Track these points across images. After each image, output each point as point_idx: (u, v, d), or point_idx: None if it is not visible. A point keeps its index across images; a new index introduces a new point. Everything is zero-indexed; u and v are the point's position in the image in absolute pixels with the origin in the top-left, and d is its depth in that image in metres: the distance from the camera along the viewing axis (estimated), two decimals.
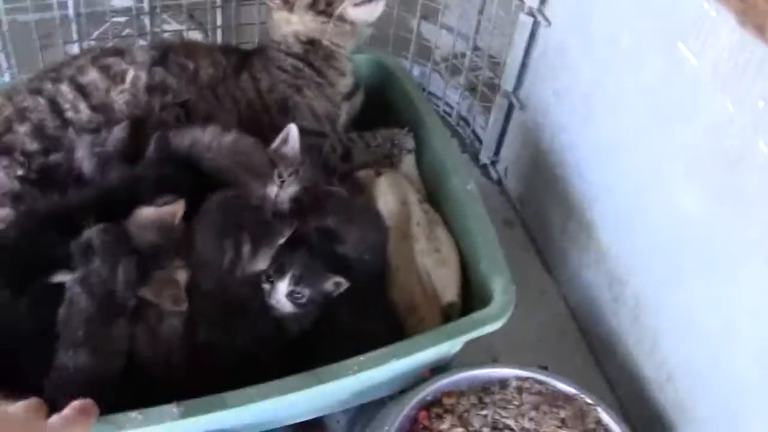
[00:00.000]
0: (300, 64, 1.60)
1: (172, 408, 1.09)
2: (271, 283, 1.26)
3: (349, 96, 1.69)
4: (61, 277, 1.16)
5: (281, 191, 1.41)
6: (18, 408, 0.99)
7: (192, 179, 1.32)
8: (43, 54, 1.81)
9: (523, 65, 1.67)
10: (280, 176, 1.41)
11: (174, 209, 1.23)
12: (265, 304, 1.27)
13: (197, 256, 1.22)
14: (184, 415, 1.08)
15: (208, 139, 1.40)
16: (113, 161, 1.37)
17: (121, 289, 1.15)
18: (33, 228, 1.24)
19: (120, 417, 1.07)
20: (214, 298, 1.23)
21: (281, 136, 1.45)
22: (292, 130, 1.44)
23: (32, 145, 1.40)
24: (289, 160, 1.43)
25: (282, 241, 1.26)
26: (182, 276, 1.21)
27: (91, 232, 1.17)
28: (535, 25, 1.59)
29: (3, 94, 1.48)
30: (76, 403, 1.02)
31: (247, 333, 1.23)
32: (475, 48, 1.85)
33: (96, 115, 1.45)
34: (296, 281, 1.26)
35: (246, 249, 1.22)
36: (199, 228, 1.23)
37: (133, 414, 1.07)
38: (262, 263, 1.25)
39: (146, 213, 1.23)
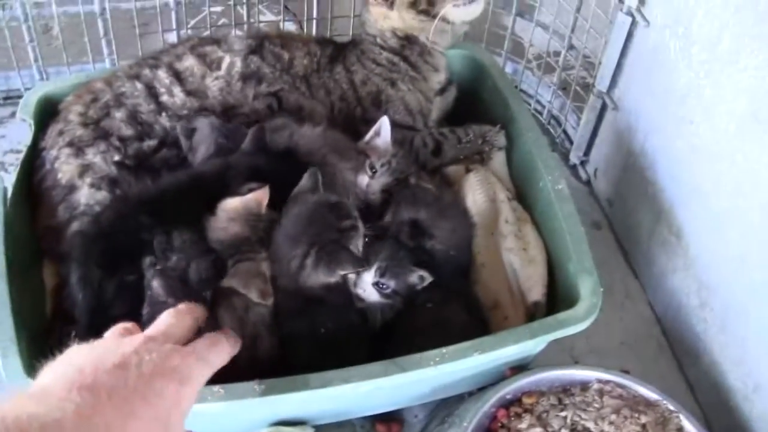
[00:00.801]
0: (395, 59, 1.61)
1: (254, 385, 1.10)
2: (357, 273, 1.27)
3: (441, 91, 1.69)
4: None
5: (372, 181, 1.43)
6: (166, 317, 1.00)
7: (284, 172, 1.33)
8: (141, 42, 1.86)
9: (619, 65, 1.65)
10: (372, 167, 1.43)
11: (259, 196, 1.25)
12: (348, 296, 1.29)
13: (274, 249, 1.24)
14: (266, 392, 1.10)
15: (304, 129, 1.43)
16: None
17: (195, 282, 1.18)
18: (126, 212, 1.28)
19: (202, 390, 1.07)
20: (292, 292, 1.24)
21: (374, 128, 1.47)
22: (385, 122, 1.46)
23: (127, 131, 1.44)
24: (381, 151, 1.45)
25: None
26: (268, 267, 1.24)
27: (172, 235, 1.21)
28: (633, 25, 1.56)
29: (103, 80, 1.52)
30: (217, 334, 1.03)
31: (328, 323, 1.24)
32: (570, 47, 1.84)
33: (190, 100, 1.48)
34: (381, 273, 1.27)
35: (309, 262, 1.22)
36: (281, 224, 1.25)
37: (216, 388, 1.09)
38: (321, 278, 1.23)
39: (232, 204, 1.25)
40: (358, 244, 1.26)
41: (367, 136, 1.49)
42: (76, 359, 0.86)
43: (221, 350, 1.00)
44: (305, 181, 1.26)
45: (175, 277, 1.18)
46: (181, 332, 0.98)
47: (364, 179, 1.45)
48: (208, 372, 0.96)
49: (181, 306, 1.04)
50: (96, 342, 0.92)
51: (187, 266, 1.19)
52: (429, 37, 1.61)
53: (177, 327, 0.98)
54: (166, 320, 0.99)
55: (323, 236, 1.22)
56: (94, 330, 1.18)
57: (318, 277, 1.22)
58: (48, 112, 1.50)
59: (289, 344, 1.24)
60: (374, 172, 1.45)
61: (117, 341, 0.92)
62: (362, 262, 1.25)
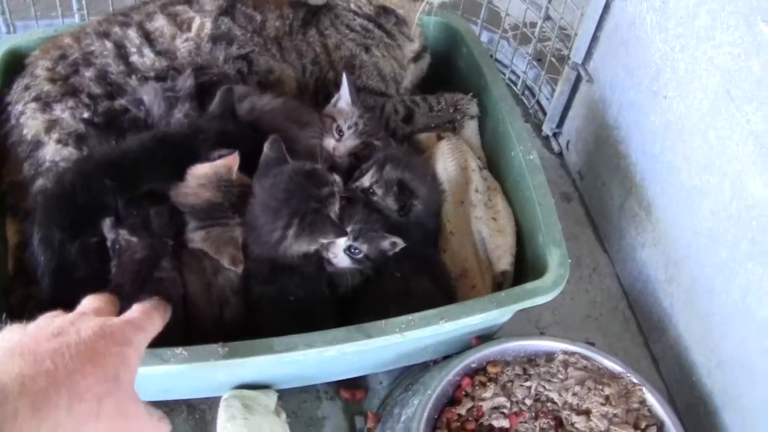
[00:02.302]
0: (370, 25, 1.60)
1: (217, 348, 1.10)
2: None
3: (416, 58, 1.68)
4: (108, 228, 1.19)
5: (339, 144, 1.42)
6: (90, 301, 1.01)
7: (253, 138, 1.32)
8: None
9: (595, 37, 1.64)
10: (339, 130, 1.42)
11: (229, 161, 1.24)
12: (320, 265, 1.29)
13: (250, 220, 1.23)
14: (229, 355, 1.10)
15: (264, 101, 1.42)
16: (185, 103, 1.38)
17: (156, 226, 1.19)
18: (90, 173, 1.26)
19: (166, 351, 1.08)
20: (264, 259, 1.23)
21: (339, 92, 1.46)
22: (344, 79, 1.46)
23: (96, 89, 1.42)
24: (347, 113, 1.44)
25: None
26: (241, 232, 1.23)
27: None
28: None
29: (71, 36, 1.49)
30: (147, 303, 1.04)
31: (299, 292, 1.24)
32: (547, 17, 1.82)
33: (159, 61, 1.46)
34: (355, 236, 1.27)
35: (291, 233, 1.21)
36: (255, 194, 1.23)
37: (179, 350, 1.09)
38: (303, 247, 1.24)
39: (201, 170, 1.24)
40: (335, 210, 1.25)
41: (333, 100, 1.49)
42: (15, 335, 0.88)
43: (154, 318, 1.00)
44: (268, 150, 1.24)
45: (139, 223, 1.19)
46: (111, 311, 1.00)
47: (330, 142, 1.44)
48: (144, 338, 0.96)
49: (104, 295, 1.03)
50: (29, 324, 0.92)
51: (147, 213, 1.20)
52: (404, 8, 1.61)
53: (104, 310, 0.99)
54: (92, 303, 1.00)
55: (304, 206, 1.21)
56: (57, 292, 1.18)
57: (300, 246, 1.22)
58: (14, 67, 1.48)
59: (258, 310, 1.23)
60: (341, 135, 1.44)
61: (50, 319, 0.92)
62: (344, 231, 1.24)
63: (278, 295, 1.23)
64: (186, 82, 1.41)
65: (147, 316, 0.99)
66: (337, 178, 1.28)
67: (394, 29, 1.62)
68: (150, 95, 1.40)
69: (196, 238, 1.21)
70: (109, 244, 1.20)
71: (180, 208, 1.22)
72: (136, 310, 0.99)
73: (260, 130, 1.36)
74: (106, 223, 1.20)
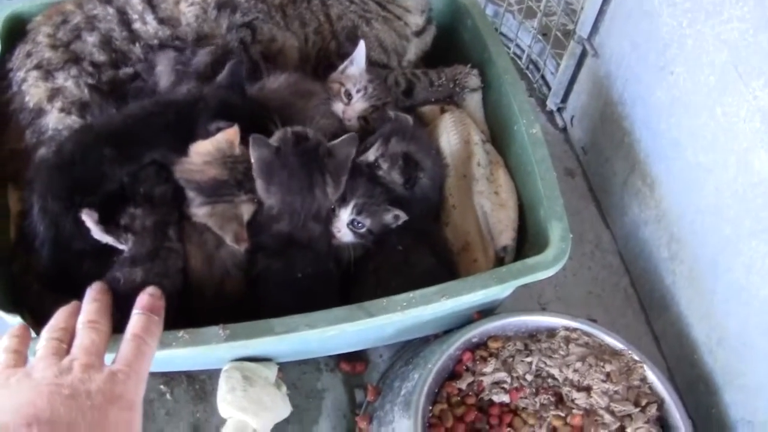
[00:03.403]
0: None
1: (218, 330, 1.10)
2: (333, 210, 1.26)
3: (420, 32, 1.66)
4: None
5: (348, 107, 1.42)
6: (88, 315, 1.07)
7: (258, 114, 1.31)
8: None
9: (601, 11, 1.62)
10: (348, 94, 1.42)
11: (229, 136, 1.22)
12: (329, 238, 1.29)
13: (282, 210, 1.23)
14: (230, 338, 1.10)
15: (270, 81, 1.42)
16: (190, 81, 1.38)
17: (158, 197, 1.21)
18: (89, 143, 1.25)
19: (167, 335, 1.09)
20: (283, 235, 1.24)
21: (350, 57, 1.47)
22: (361, 47, 1.46)
23: (100, 56, 1.40)
24: (356, 78, 1.44)
25: (352, 157, 1.27)
26: (248, 209, 1.22)
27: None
28: None
29: (73, 2, 1.48)
30: (142, 300, 1.08)
31: (308, 266, 1.24)
32: None
33: (162, 28, 1.45)
34: (358, 210, 1.27)
35: (330, 189, 1.24)
36: (279, 192, 1.23)
37: (180, 333, 1.10)
38: (343, 217, 1.29)
39: (203, 147, 1.23)
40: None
41: (341, 67, 1.49)
42: (23, 395, 0.93)
43: (147, 357, 1.04)
44: (256, 152, 1.22)
45: (143, 196, 1.21)
46: (105, 340, 1.04)
47: (339, 107, 1.45)
48: (144, 384, 1.02)
49: (94, 314, 1.07)
50: (32, 370, 0.97)
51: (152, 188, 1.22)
52: None
53: (100, 340, 1.03)
54: (89, 337, 1.03)
55: (318, 160, 1.24)
56: (55, 262, 1.18)
57: (338, 189, 1.27)
58: (16, 32, 1.46)
59: (263, 284, 1.24)
60: (350, 99, 1.43)
61: (54, 371, 0.96)
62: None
63: (286, 270, 1.23)
64: (200, 57, 1.40)
65: (143, 357, 1.03)
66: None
67: (387, 2, 1.61)
68: (164, 64, 1.39)
69: (200, 213, 1.20)
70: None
71: (184, 185, 1.22)
72: (131, 350, 1.02)
73: (268, 108, 1.35)
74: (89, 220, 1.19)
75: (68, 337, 1.03)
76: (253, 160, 1.21)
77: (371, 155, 1.34)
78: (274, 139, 1.23)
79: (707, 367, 1.32)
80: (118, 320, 1.08)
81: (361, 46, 1.48)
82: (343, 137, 1.27)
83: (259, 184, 1.22)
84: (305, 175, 1.22)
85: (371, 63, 1.56)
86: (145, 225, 1.18)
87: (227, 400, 1.20)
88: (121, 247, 1.18)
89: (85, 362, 0.98)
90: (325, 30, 1.58)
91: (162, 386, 1.34)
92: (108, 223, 1.18)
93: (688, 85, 1.33)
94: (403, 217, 1.29)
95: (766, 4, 1.10)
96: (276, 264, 1.23)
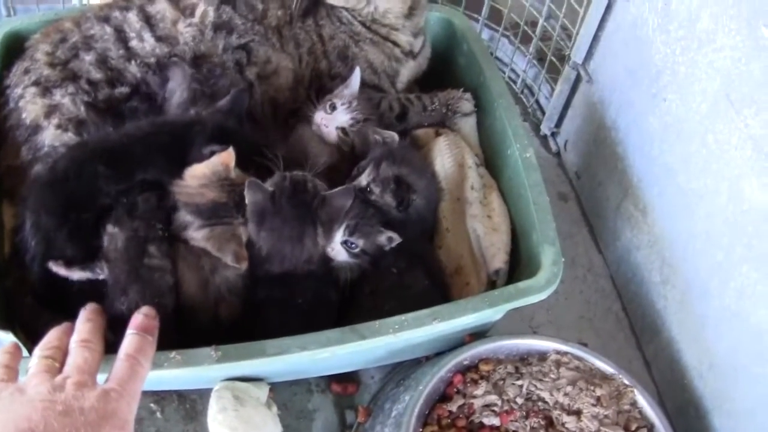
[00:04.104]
0: (353, 20, 1.60)
1: (211, 351, 1.10)
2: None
3: (414, 54, 1.67)
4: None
5: (328, 116, 1.44)
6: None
7: (251, 142, 1.33)
8: None
9: (596, 38, 1.63)
10: (332, 106, 1.44)
11: (224, 159, 1.23)
12: (327, 263, 1.30)
13: (271, 253, 1.24)
14: (222, 359, 1.10)
15: None
16: (206, 102, 1.38)
17: (141, 211, 1.21)
18: (83, 160, 1.26)
19: (159, 356, 1.09)
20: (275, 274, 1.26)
21: (346, 82, 1.49)
22: (356, 72, 1.49)
23: (97, 74, 1.41)
24: (346, 96, 1.47)
25: (347, 209, 1.28)
26: (246, 231, 1.23)
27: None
28: None
29: (72, 20, 1.49)
30: (137, 320, 1.09)
31: (308, 291, 1.26)
32: (549, 16, 1.82)
33: (159, 46, 1.45)
34: (351, 231, 1.28)
35: (321, 239, 1.26)
36: (270, 237, 1.24)
37: (173, 354, 1.10)
38: (336, 237, 1.28)
39: (199, 170, 1.24)
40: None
41: (337, 90, 1.51)
42: (16, 409, 0.94)
43: (140, 377, 1.04)
44: (251, 196, 1.23)
45: (123, 212, 1.21)
46: (98, 360, 1.05)
47: (320, 114, 1.47)
48: (136, 403, 1.02)
49: (87, 334, 1.07)
50: (25, 386, 0.98)
51: (135, 201, 1.22)
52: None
53: (93, 359, 1.04)
54: (82, 356, 1.03)
55: (311, 210, 1.25)
56: (46, 278, 1.18)
57: (330, 239, 1.28)
58: (14, 50, 1.47)
59: (262, 311, 1.25)
60: (333, 110, 1.46)
61: (47, 387, 0.97)
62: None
63: (288, 296, 1.24)
64: (222, 81, 1.42)
65: (135, 378, 1.03)
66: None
67: (373, 25, 1.62)
68: (177, 80, 1.40)
69: (198, 236, 1.21)
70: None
71: (182, 207, 1.22)
72: (125, 370, 1.03)
73: (267, 141, 1.38)
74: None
75: (61, 356, 1.04)
76: (247, 203, 1.22)
77: (363, 180, 1.34)
78: (270, 183, 1.24)
79: (697, 392, 1.32)
80: (111, 341, 1.08)
81: (357, 72, 1.50)
82: (340, 189, 1.28)
83: (251, 227, 1.23)
84: (297, 224, 1.23)
85: (363, 84, 1.57)
86: (118, 246, 1.18)
87: (218, 420, 1.20)
88: (100, 277, 1.18)
89: (77, 380, 0.98)
90: (318, 50, 1.60)
91: (152, 405, 1.34)
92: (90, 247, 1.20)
93: (680, 112, 1.34)
94: (397, 239, 1.29)
95: (759, 33, 1.11)
96: (275, 291, 1.24)
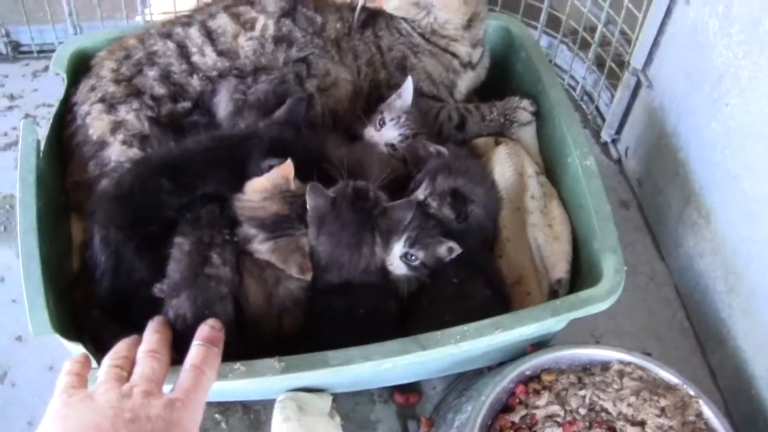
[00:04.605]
0: (412, 31, 1.61)
1: (274, 362, 1.12)
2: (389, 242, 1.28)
3: (473, 65, 1.67)
4: None
5: (376, 133, 1.45)
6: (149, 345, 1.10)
7: (310, 152, 1.35)
8: None
9: (655, 43, 1.62)
10: (381, 122, 1.45)
11: (284, 171, 1.25)
12: (385, 271, 1.30)
13: (329, 262, 1.25)
14: (285, 370, 1.12)
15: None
16: (251, 113, 1.40)
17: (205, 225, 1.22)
18: (147, 175, 1.29)
19: (224, 367, 1.11)
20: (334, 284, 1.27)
21: (398, 90, 1.50)
22: (408, 83, 1.49)
23: (160, 90, 1.44)
24: (397, 109, 1.48)
25: (407, 222, 1.28)
26: (305, 242, 1.25)
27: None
28: (673, 2, 1.54)
29: (136, 37, 1.52)
30: (203, 331, 1.11)
31: (369, 302, 1.26)
32: (607, 22, 1.81)
33: (221, 59, 1.48)
34: (411, 243, 1.28)
35: (379, 248, 1.26)
36: (329, 242, 1.25)
37: (237, 365, 1.12)
38: (395, 250, 1.29)
39: (260, 184, 1.26)
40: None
41: (390, 99, 1.52)
42: (86, 415, 0.96)
43: (204, 387, 1.06)
44: (312, 201, 1.24)
45: (188, 223, 1.23)
46: (165, 370, 1.07)
47: (369, 131, 1.49)
48: (200, 413, 1.04)
49: (155, 344, 1.10)
50: (94, 393, 1.00)
51: (199, 213, 1.25)
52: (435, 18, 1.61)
53: (160, 369, 1.06)
54: (150, 366, 1.06)
55: (371, 219, 1.26)
56: (115, 293, 1.21)
57: (388, 251, 1.29)
58: (80, 67, 1.50)
59: (324, 321, 1.26)
60: (382, 126, 1.48)
61: (116, 395, 0.99)
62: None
63: (348, 307, 1.25)
64: (261, 85, 1.43)
65: (199, 387, 1.05)
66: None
67: (432, 36, 1.62)
68: (222, 93, 1.42)
69: (263, 249, 1.23)
70: None
71: (245, 221, 1.24)
72: (189, 380, 1.05)
73: (326, 153, 1.40)
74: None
75: (129, 366, 1.06)
76: (308, 207, 1.24)
77: (420, 194, 1.35)
78: (333, 190, 1.26)
79: (765, 403, 1.30)
80: (176, 354, 1.10)
81: (409, 81, 1.50)
82: (401, 201, 1.29)
83: (311, 231, 1.24)
84: (356, 230, 1.24)
85: (422, 94, 1.58)
86: (183, 250, 1.20)
87: (282, 430, 1.21)
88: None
89: (145, 389, 1.00)
90: (377, 61, 1.61)
91: (217, 415, 1.35)
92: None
93: (743, 117, 1.32)
94: (457, 249, 1.29)
95: None
96: (336, 302, 1.25)
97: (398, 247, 1.29)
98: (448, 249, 1.30)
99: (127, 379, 1.03)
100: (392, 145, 1.49)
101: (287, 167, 1.25)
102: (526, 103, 1.61)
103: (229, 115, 1.43)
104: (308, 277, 1.22)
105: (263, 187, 1.24)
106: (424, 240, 1.29)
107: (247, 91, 1.44)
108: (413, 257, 1.29)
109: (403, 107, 1.50)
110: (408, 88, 1.50)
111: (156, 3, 1.87)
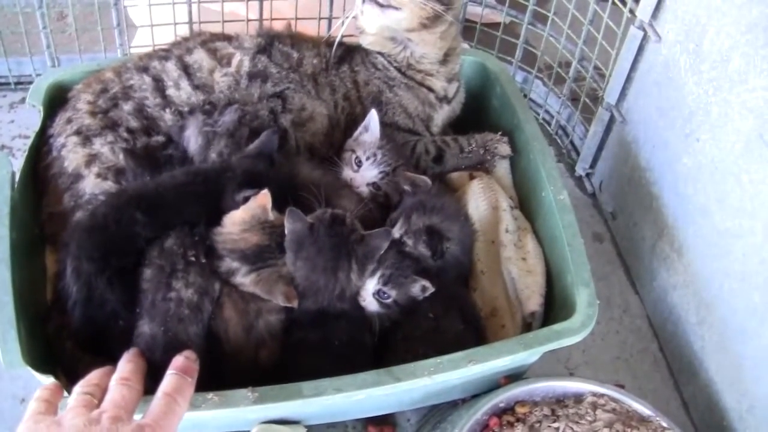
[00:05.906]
0: (387, 64, 1.62)
1: (248, 393, 1.11)
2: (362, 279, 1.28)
3: (448, 100, 1.69)
4: None
5: (356, 175, 1.45)
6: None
7: (283, 183, 1.35)
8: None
9: (628, 79, 1.65)
10: (358, 161, 1.44)
11: (261, 201, 1.26)
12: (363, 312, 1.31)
13: (305, 287, 1.26)
14: (258, 401, 1.11)
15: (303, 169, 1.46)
16: (221, 141, 1.41)
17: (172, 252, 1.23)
18: (121, 207, 1.29)
19: (197, 397, 1.10)
20: (312, 311, 1.27)
21: (363, 123, 1.51)
22: (373, 115, 1.49)
23: (134, 123, 1.44)
24: (368, 144, 1.47)
25: (383, 251, 1.29)
26: (287, 271, 1.25)
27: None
28: (645, 39, 1.56)
29: (113, 70, 1.53)
30: (178, 362, 1.11)
31: (344, 334, 1.27)
32: (582, 58, 1.83)
33: (196, 94, 1.48)
34: (385, 281, 1.28)
35: (354, 275, 1.26)
36: (305, 266, 1.25)
37: (210, 395, 1.11)
38: (369, 277, 1.29)
39: (238, 216, 1.27)
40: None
41: (356, 133, 1.52)
42: None
43: (176, 416, 1.05)
44: (290, 224, 1.25)
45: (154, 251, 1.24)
46: (136, 398, 1.06)
47: (348, 173, 1.48)
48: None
49: (127, 373, 1.09)
50: (62, 419, 1.00)
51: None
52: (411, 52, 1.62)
53: (130, 397, 1.05)
54: (120, 392, 1.05)
55: (348, 245, 1.26)
56: (87, 324, 1.20)
57: (363, 279, 1.29)
58: (57, 99, 1.51)
59: (299, 353, 1.26)
60: (359, 166, 1.47)
61: (83, 420, 0.98)
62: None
63: (323, 339, 1.25)
64: (228, 116, 1.43)
65: (170, 416, 1.04)
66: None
67: (408, 70, 1.63)
68: (191, 128, 1.42)
69: (247, 282, 1.23)
70: None
71: (227, 255, 1.24)
72: (160, 410, 1.04)
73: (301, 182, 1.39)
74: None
75: (100, 394, 1.05)
76: (286, 232, 1.24)
77: (396, 232, 1.35)
78: (311, 216, 1.26)
79: None
80: (151, 383, 1.10)
81: (373, 113, 1.51)
82: (378, 230, 1.29)
83: (288, 256, 1.25)
84: (332, 256, 1.24)
85: (398, 128, 1.59)
86: (146, 278, 1.21)
87: None
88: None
89: (113, 414, 0.99)
90: (353, 96, 1.62)
91: None
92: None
93: (714, 152, 1.34)
94: (431, 289, 1.29)
95: None
96: (312, 334, 1.25)
97: (371, 284, 1.29)
98: (421, 288, 1.30)
99: (98, 406, 1.03)
100: (374, 184, 1.49)
101: (264, 197, 1.25)
102: (506, 138, 1.63)
103: (200, 148, 1.42)
104: (294, 304, 1.23)
105: (241, 219, 1.25)
106: (398, 279, 1.29)
107: (214, 125, 1.44)
108: (386, 295, 1.29)
109: (373, 142, 1.50)
110: (373, 120, 1.50)
111: (136, 36, 1.88)
